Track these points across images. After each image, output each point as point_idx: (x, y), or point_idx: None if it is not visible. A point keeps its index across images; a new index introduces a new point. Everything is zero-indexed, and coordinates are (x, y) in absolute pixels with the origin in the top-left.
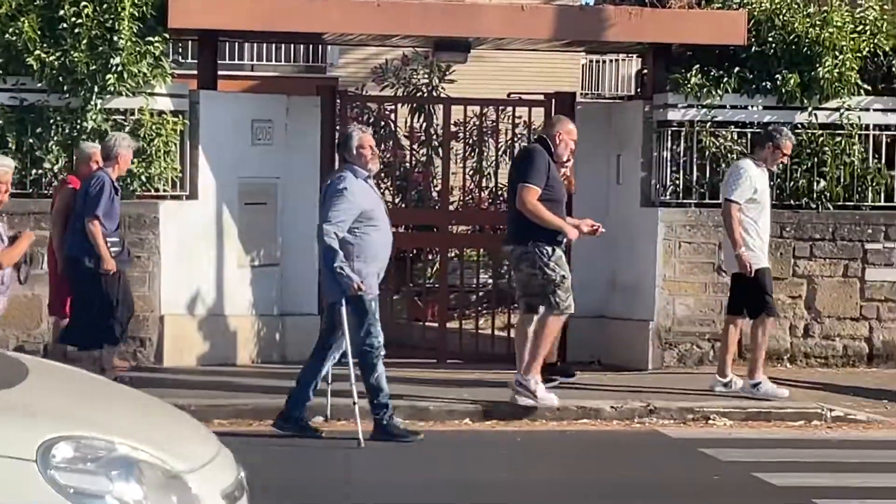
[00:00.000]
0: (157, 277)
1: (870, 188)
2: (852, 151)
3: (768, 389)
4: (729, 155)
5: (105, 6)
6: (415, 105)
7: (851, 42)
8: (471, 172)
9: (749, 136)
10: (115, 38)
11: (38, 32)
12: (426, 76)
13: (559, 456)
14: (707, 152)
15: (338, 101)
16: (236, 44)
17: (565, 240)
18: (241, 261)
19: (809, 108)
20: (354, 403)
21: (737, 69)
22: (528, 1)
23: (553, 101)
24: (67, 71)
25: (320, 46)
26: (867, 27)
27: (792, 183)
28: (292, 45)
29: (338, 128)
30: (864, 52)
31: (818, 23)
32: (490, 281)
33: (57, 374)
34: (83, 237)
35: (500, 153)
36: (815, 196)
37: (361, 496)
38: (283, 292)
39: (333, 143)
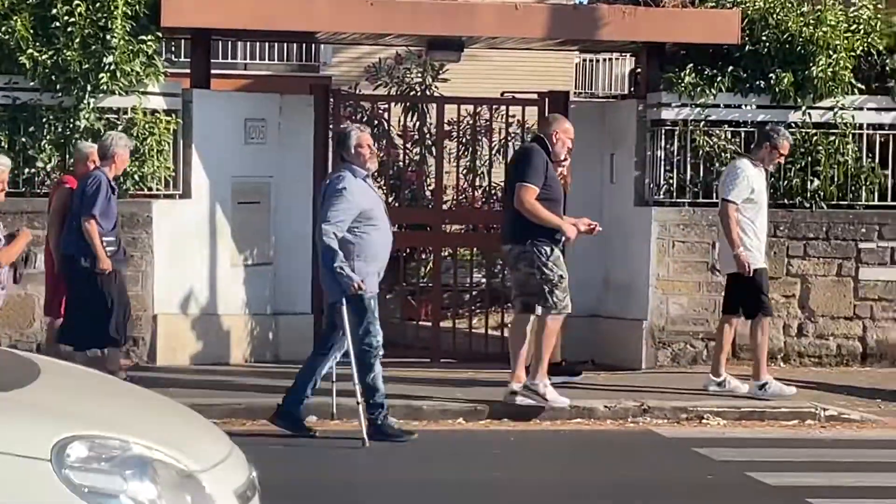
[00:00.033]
0: (150, 276)
1: (863, 187)
2: (846, 151)
3: (775, 389)
4: (723, 154)
5: (98, 5)
6: (408, 104)
7: (845, 41)
8: (464, 171)
9: (743, 135)
10: (108, 37)
11: (31, 31)
12: (420, 75)
13: (553, 455)
14: (701, 151)
15: (331, 100)
16: (229, 43)
17: (564, 238)
18: (235, 260)
19: (803, 108)
20: (358, 403)
21: (730, 68)
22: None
23: (546, 100)
24: (60, 70)
25: (313, 45)
26: (861, 26)
27: (786, 182)
28: (285, 44)
29: (331, 127)
30: (858, 52)
31: (812, 22)
32: (483, 280)
33: (68, 373)
34: (79, 236)
35: (493, 152)
36: (808, 195)
37: (355, 495)
38: (276, 291)
39: (327, 142)
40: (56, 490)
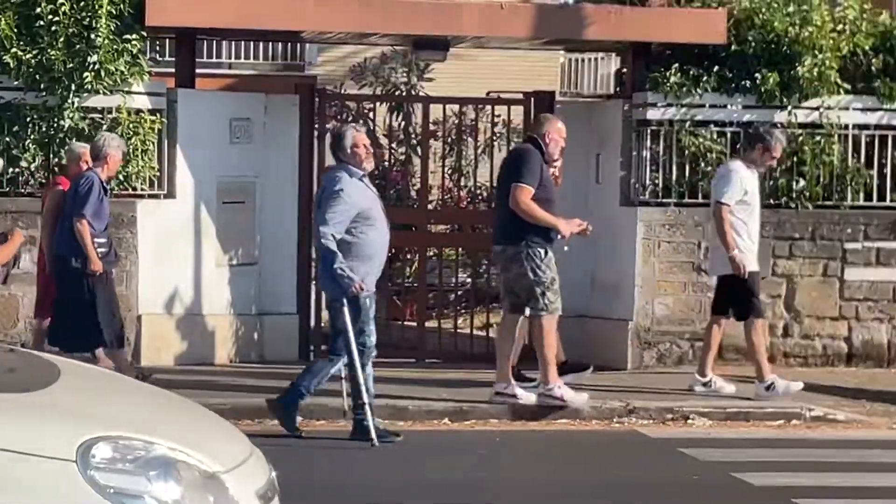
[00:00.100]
0: (134, 276)
1: (849, 187)
2: (832, 151)
3: (781, 387)
4: (708, 154)
5: (82, 4)
6: (393, 104)
7: (831, 41)
8: (449, 171)
9: (728, 135)
10: (93, 36)
11: (15, 30)
12: (405, 75)
13: (538, 456)
14: (686, 151)
15: (316, 99)
16: (214, 42)
17: (558, 237)
18: (220, 260)
19: (789, 108)
20: (366, 403)
21: (716, 68)
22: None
23: (532, 100)
24: (44, 69)
25: (298, 44)
26: (847, 26)
27: (771, 182)
28: (270, 44)
29: (316, 126)
30: (844, 52)
31: (798, 22)
32: (469, 280)
33: (88, 374)
34: (71, 237)
35: (478, 152)
36: (794, 195)
37: (340, 496)
38: (261, 291)
39: (312, 141)
40: (82, 491)
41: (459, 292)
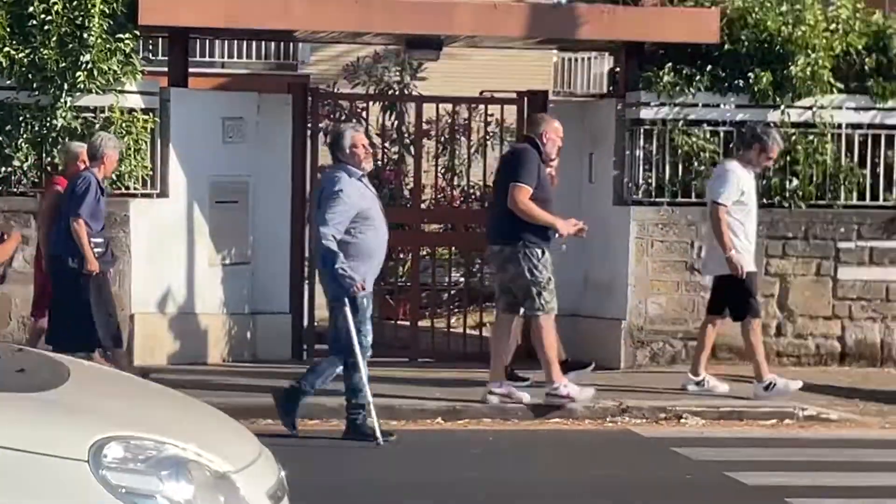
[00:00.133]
0: (127, 276)
1: (842, 187)
2: (825, 150)
3: (781, 387)
4: (701, 153)
5: (75, 3)
6: (386, 103)
7: (824, 41)
8: (443, 171)
9: (721, 134)
10: (86, 36)
11: (8, 29)
12: (398, 74)
13: (531, 455)
14: (679, 151)
15: (309, 98)
16: (207, 41)
17: (556, 236)
18: (212, 259)
19: (782, 107)
20: (369, 402)
21: (709, 67)
22: None
23: (525, 99)
24: (37, 68)
25: (291, 44)
26: (840, 26)
27: (765, 181)
28: (263, 43)
29: (309, 126)
30: (837, 51)
31: (791, 21)
32: (462, 279)
33: (97, 374)
34: (68, 237)
35: (472, 151)
36: (787, 194)
37: (332, 496)
38: (254, 291)
39: (305, 141)
40: (93, 491)
41: (452, 291)
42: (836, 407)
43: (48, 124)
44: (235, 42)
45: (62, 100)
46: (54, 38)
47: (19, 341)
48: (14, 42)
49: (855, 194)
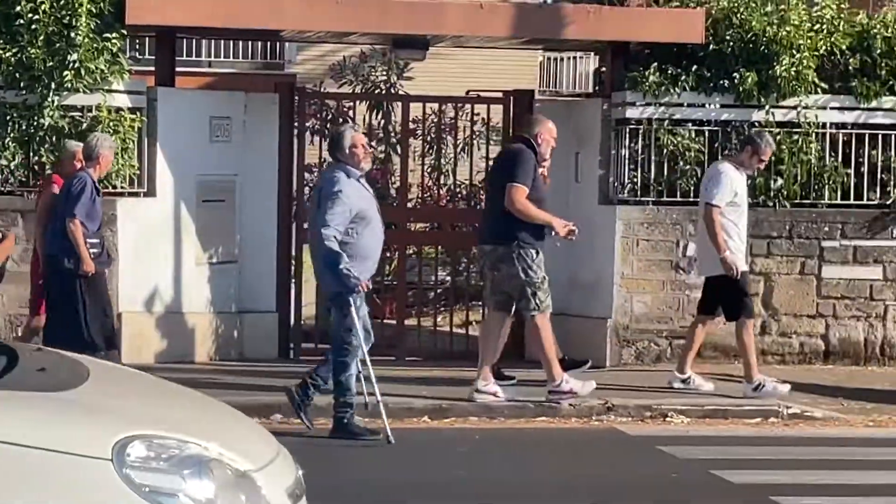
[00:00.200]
0: (114, 275)
1: (826, 186)
2: (809, 150)
3: (769, 389)
4: (687, 153)
5: (62, 2)
6: (373, 102)
7: (809, 41)
8: (429, 170)
9: (707, 134)
10: (73, 35)
11: None
12: (384, 73)
13: (518, 454)
14: (665, 150)
15: (296, 98)
16: (193, 40)
17: (552, 234)
18: (200, 258)
19: (767, 107)
20: (378, 401)
21: (695, 67)
22: None
23: (511, 98)
24: (24, 67)
25: (278, 43)
26: (824, 26)
27: (749, 181)
28: (250, 42)
29: (296, 125)
30: (822, 51)
31: (775, 21)
32: (448, 278)
33: (116, 374)
34: (64, 237)
35: (458, 150)
36: (772, 194)
37: (319, 494)
38: (241, 289)
39: (292, 140)
40: (117, 489)
41: (439, 290)
42: (820, 405)
43: (35, 123)
44: (222, 42)
45: (49, 99)
46: (41, 38)
47: (7, 340)
48: (1, 41)
49: (839, 194)
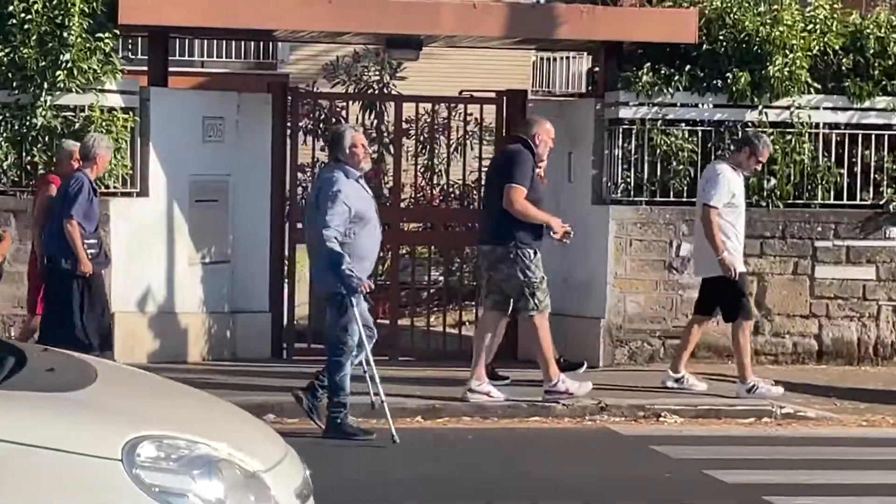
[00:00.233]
0: (107, 275)
1: (819, 186)
2: (802, 150)
3: (763, 391)
4: (680, 153)
5: (55, 2)
6: (366, 102)
7: (802, 41)
8: (422, 170)
9: (700, 134)
10: (65, 35)
11: None
12: (377, 73)
13: (511, 454)
14: (658, 150)
15: (289, 98)
16: (186, 40)
17: (551, 233)
18: (192, 258)
19: (760, 107)
20: (382, 401)
21: (688, 67)
22: None
23: (504, 98)
24: (17, 67)
25: (271, 43)
26: (817, 26)
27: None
28: (242, 42)
29: (289, 125)
30: (815, 51)
31: (769, 21)
32: (441, 278)
33: (123, 374)
34: (61, 237)
35: (451, 150)
36: (765, 194)
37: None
38: (233, 289)
39: (284, 140)
40: (128, 490)
41: (432, 290)
42: (813, 405)
43: (28, 123)
44: (215, 41)
45: (42, 99)
46: (34, 37)
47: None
48: None
49: (832, 194)
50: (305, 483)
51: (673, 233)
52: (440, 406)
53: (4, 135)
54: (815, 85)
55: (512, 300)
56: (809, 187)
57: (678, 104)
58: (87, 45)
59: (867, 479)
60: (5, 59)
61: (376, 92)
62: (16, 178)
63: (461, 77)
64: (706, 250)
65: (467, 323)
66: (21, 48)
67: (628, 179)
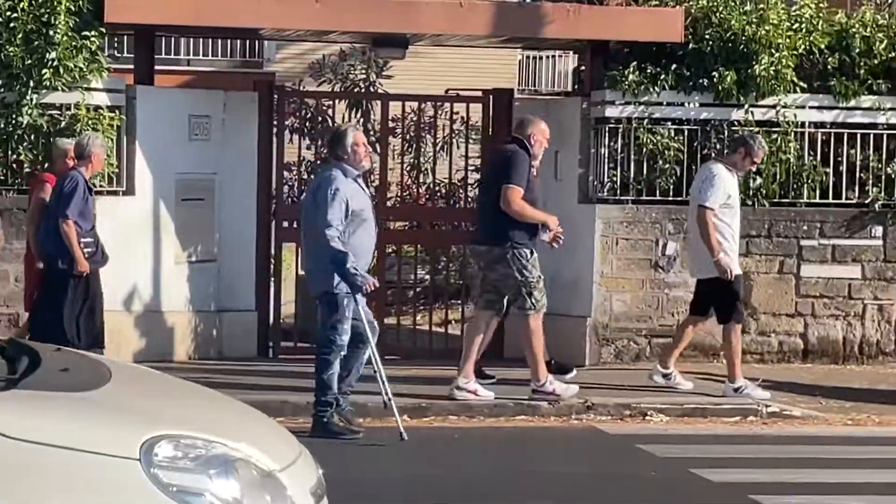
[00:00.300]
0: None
1: (805, 185)
2: (788, 149)
3: (750, 393)
4: (666, 152)
5: (41, 0)
6: (353, 101)
7: (788, 40)
8: (408, 168)
9: (686, 133)
10: (51, 33)
11: None
12: (364, 72)
13: (497, 452)
14: (644, 149)
15: (275, 96)
16: (172, 38)
17: (547, 231)
18: (179, 257)
19: (746, 106)
20: (390, 399)
21: (674, 66)
22: None
23: (491, 97)
24: (2, 65)
25: (257, 41)
26: (803, 25)
27: None
28: (229, 40)
29: (275, 123)
30: (801, 50)
31: (755, 20)
32: (427, 277)
33: (137, 374)
34: (57, 236)
35: (437, 149)
36: (751, 193)
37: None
38: (220, 288)
39: (271, 138)
40: (145, 489)
41: (418, 289)
42: (798, 404)
43: (14, 121)
44: (201, 40)
45: (28, 97)
46: (20, 36)
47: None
48: None
49: (818, 193)
50: (319, 482)
51: (659, 232)
52: (426, 405)
53: None
54: (801, 84)
55: (507, 300)
56: (795, 186)
57: (664, 103)
58: (73, 43)
59: (853, 478)
60: None
61: (363, 90)
62: (1, 177)
63: (447, 76)
64: (702, 251)
65: (453, 321)
66: (7, 46)
67: (614, 178)
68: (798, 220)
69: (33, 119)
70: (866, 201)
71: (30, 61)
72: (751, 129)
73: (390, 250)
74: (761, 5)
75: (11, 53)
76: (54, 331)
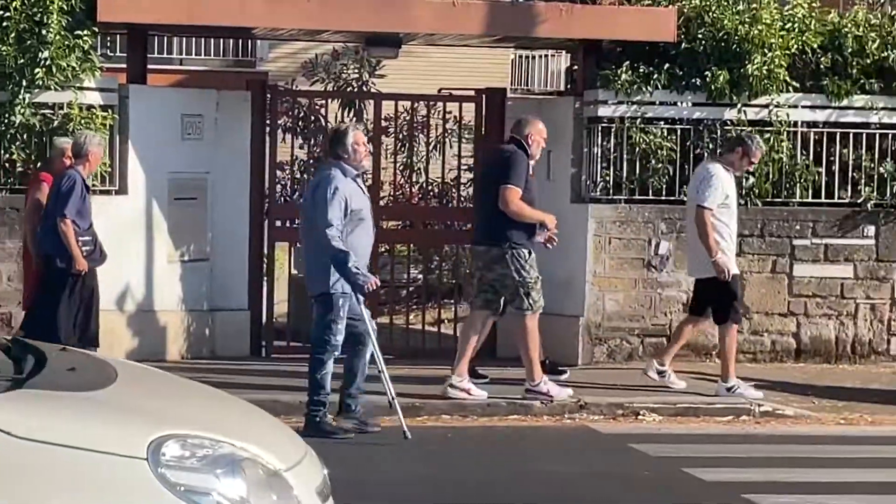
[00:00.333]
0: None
1: (798, 185)
2: (781, 148)
3: (743, 392)
4: (659, 151)
5: (33, 0)
6: (345, 100)
7: (780, 39)
8: (401, 168)
9: (679, 132)
10: (44, 32)
11: None
12: (356, 71)
13: (490, 452)
14: (637, 148)
15: (268, 95)
16: (165, 38)
17: (544, 230)
18: (171, 256)
19: (738, 105)
20: (393, 398)
21: (667, 66)
22: None
23: (484, 96)
24: None
25: (249, 41)
26: (796, 24)
27: None
28: (221, 40)
29: (268, 123)
30: (793, 50)
31: (747, 20)
32: (420, 276)
33: (143, 374)
34: (56, 235)
35: (430, 148)
36: (743, 192)
37: None
38: (212, 287)
39: (264, 138)
40: (153, 488)
41: (411, 288)
42: (791, 403)
43: (6, 121)
44: (194, 39)
45: (21, 96)
46: (12, 35)
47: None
48: None
49: (810, 192)
50: (325, 482)
51: (652, 231)
52: (419, 404)
53: None
54: (794, 83)
55: (504, 300)
56: (788, 185)
57: (657, 102)
58: (66, 42)
59: (845, 477)
60: None
61: (355, 90)
62: None
63: (440, 75)
64: (700, 251)
65: (446, 321)
66: None
67: (607, 178)
68: (791, 219)
69: (26, 118)
70: (859, 201)
71: (22, 60)
72: (743, 128)
73: (383, 249)
74: (754, 5)
75: (4, 53)
76: (48, 329)
